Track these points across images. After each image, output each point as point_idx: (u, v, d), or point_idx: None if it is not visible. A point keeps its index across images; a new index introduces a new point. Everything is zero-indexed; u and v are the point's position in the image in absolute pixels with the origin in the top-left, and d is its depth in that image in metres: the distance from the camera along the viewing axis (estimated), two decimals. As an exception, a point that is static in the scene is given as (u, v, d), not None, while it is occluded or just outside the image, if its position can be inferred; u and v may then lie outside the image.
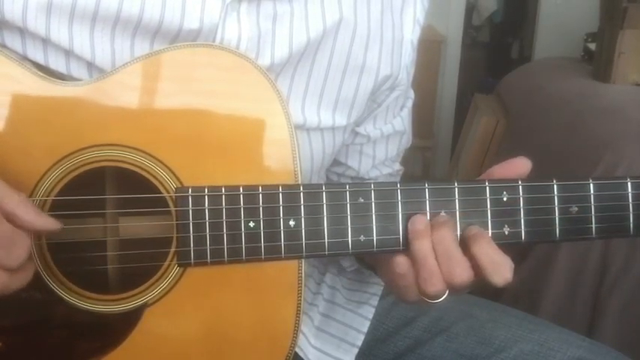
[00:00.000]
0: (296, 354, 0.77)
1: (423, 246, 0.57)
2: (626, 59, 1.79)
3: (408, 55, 0.73)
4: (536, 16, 2.98)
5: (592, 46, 2.09)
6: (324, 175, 0.78)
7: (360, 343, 0.80)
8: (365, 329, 0.81)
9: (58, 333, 0.60)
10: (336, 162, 0.80)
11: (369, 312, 0.82)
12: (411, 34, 0.73)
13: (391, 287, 0.65)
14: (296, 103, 0.67)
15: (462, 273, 0.56)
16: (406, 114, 0.80)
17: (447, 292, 0.57)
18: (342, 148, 0.78)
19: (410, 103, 0.80)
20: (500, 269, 0.56)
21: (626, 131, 1.45)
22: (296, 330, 0.61)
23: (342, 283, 0.85)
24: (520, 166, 0.60)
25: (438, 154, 2.95)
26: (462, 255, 0.57)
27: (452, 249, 0.57)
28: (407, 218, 0.59)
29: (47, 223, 0.54)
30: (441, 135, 2.95)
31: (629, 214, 0.61)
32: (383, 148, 0.79)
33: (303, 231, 0.58)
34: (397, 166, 0.83)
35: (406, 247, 0.58)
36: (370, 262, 0.75)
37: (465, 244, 0.57)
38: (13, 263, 0.51)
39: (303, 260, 0.60)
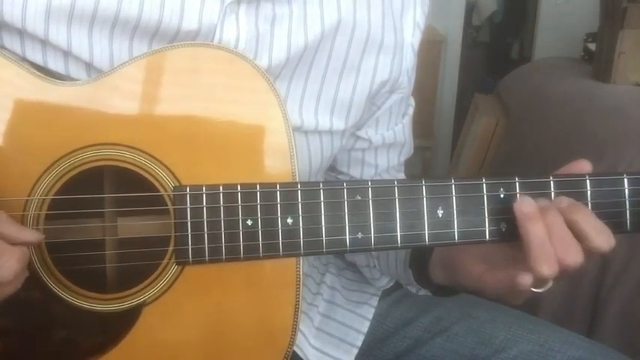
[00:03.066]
0: (296, 354, 0.77)
1: (538, 230, 0.56)
2: (626, 59, 1.78)
3: (409, 60, 0.73)
4: (536, 16, 2.97)
5: (592, 46, 2.09)
6: (322, 178, 0.77)
7: (359, 343, 0.80)
8: (365, 329, 0.81)
9: (57, 332, 0.60)
10: (337, 171, 0.79)
11: (369, 312, 0.82)
12: (411, 37, 0.73)
13: (484, 287, 0.62)
14: (293, 106, 0.67)
15: (577, 254, 0.56)
16: (407, 122, 0.80)
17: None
18: (343, 157, 0.78)
19: (411, 111, 0.81)
20: (605, 234, 0.57)
21: (626, 131, 1.45)
22: (294, 328, 0.61)
23: (342, 284, 0.85)
24: (581, 167, 0.61)
25: (438, 154, 2.94)
26: (573, 237, 0.57)
27: (565, 231, 0.57)
28: (404, 216, 0.59)
29: (30, 236, 0.54)
30: (441, 135, 2.95)
31: (626, 210, 0.61)
32: (384, 158, 0.79)
33: (301, 229, 0.58)
34: (402, 176, 0.83)
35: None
36: (442, 272, 0.69)
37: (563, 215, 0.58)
38: (5, 275, 0.51)
39: (301, 258, 0.60)
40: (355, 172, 0.79)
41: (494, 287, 0.61)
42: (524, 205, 0.57)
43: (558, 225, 0.57)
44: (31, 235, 0.55)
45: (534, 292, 0.58)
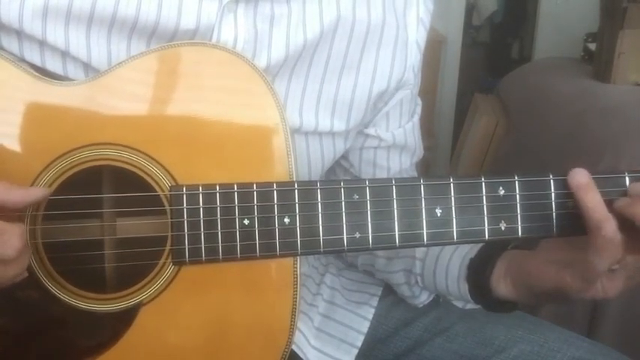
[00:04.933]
0: (296, 354, 0.77)
1: (595, 197, 0.57)
2: (626, 59, 1.78)
3: (413, 56, 0.73)
4: (536, 16, 2.97)
5: (592, 46, 2.08)
6: None
7: (359, 343, 0.80)
8: (365, 330, 0.81)
9: (54, 332, 0.60)
10: (350, 174, 0.79)
11: (369, 312, 0.82)
12: (415, 33, 0.72)
13: (563, 280, 0.61)
14: (293, 106, 0.67)
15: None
16: (417, 121, 0.80)
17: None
18: (355, 158, 0.78)
19: (419, 110, 0.80)
20: None
21: (626, 131, 1.44)
22: (292, 328, 0.60)
23: (342, 284, 0.85)
24: None
25: (438, 154, 2.94)
26: None
27: None
28: (402, 215, 0.58)
29: (36, 193, 0.55)
30: (441, 135, 2.95)
31: None
32: (397, 160, 0.79)
33: (298, 228, 0.58)
34: (414, 175, 0.83)
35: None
36: (512, 284, 0.68)
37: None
38: (8, 252, 0.51)
39: (298, 258, 0.60)
40: (367, 176, 0.78)
41: (573, 280, 0.60)
42: (579, 176, 0.58)
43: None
44: (40, 192, 0.55)
45: (612, 271, 0.58)
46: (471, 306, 0.77)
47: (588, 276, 0.58)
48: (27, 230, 0.56)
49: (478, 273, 0.70)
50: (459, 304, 0.80)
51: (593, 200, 0.57)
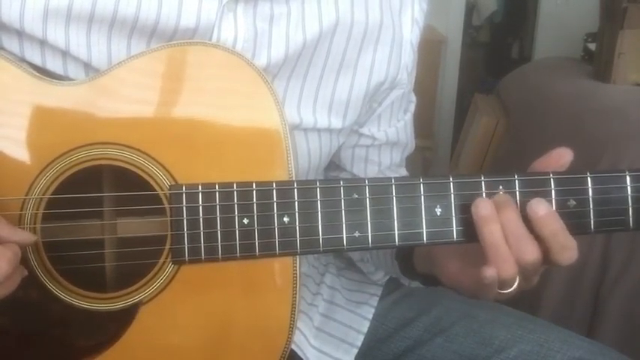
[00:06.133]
0: (296, 354, 0.76)
1: (493, 232, 0.56)
2: (626, 59, 1.79)
3: (407, 55, 0.73)
4: (536, 16, 2.99)
5: (592, 46, 2.09)
6: (322, 176, 0.77)
7: (359, 343, 0.80)
8: (365, 329, 0.80)
9: (53, 331, 0.60)
10: (341, 169, 0.80)
11: (369, 312, 0.82)
12: (409, 33, 0.73)
13: (460, 285, 0.62)
14: (292, 105, 0.68)
15: (533, 252, 0.56)
16: (409, 119, 0.80)
17: (517, 279, 0.57)
18: (347, 154, 0.78)
19: (412, 107, 0.81)
20: (569, 251, 0.56)
21: (626, 131, 1.45)
22: (292, 328, 0.60)
23: (342, 284, 0.85)
24: (560, 156, 0.60)
25: (438, 154, 2.94)
26: (529, 234, 0.56)
27: (520, 230, 0.56)
28: (402, 214, 0.58)
29: (22, 236, 0.54)
30: (441, 135, 2.95)
31: (629, 208, 0.59)
32: (388, 156, 0.80)
33: (298, 227, 0.58)
34: (403, 171, 0.84)
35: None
36: (424, 262, 0.70)
37: (530, 225, 0.56)
38: None
39: (298, 257, 0.60)
40: (358, 170, 0.79)
41: (469, 285, 0.60)
42: (480, 208, 0.57)
43: (513, 223, 0.56)
44: (25, 236, 0.55)
45: (502, 293, 0.58)
46: (416, 284, 0.77)
47: (481, 286, 0.58)
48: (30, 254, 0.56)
49: (404, 251, 0.71)
50: (404, 281, 0.81)
51: (492, 233, 0.56)
